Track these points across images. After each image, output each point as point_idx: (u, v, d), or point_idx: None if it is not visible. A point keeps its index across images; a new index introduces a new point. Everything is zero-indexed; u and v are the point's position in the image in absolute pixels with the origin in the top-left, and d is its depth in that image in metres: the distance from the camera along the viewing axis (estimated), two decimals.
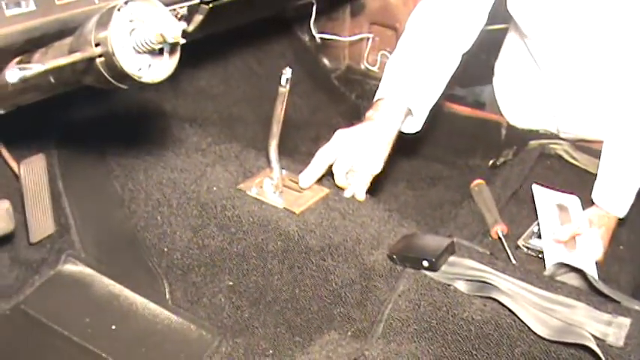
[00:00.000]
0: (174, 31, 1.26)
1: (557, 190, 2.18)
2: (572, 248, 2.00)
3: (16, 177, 1.99)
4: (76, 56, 1.25)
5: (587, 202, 2.13)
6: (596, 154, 2.25)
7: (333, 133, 1.95)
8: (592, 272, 1.92)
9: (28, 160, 1.97)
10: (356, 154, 1.95)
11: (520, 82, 2.58)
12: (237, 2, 1.91)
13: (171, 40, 1.27)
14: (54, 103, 1.61)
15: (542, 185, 2.17)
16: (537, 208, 2.10)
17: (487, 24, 2.32)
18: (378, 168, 1.97)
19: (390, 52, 2.90)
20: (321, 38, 3.05)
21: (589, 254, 2.00)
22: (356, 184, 1.96)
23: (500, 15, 2.37)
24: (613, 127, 2.17)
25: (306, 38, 3.12)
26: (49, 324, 1.90)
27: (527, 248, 2.05)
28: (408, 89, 2.05)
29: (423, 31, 2.17)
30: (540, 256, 2.01)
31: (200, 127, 2.19)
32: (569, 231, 2.02)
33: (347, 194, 1.95)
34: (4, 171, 2.04)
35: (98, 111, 2.15)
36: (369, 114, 2.04)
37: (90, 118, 2.16)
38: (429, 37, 2.16)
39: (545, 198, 2.14)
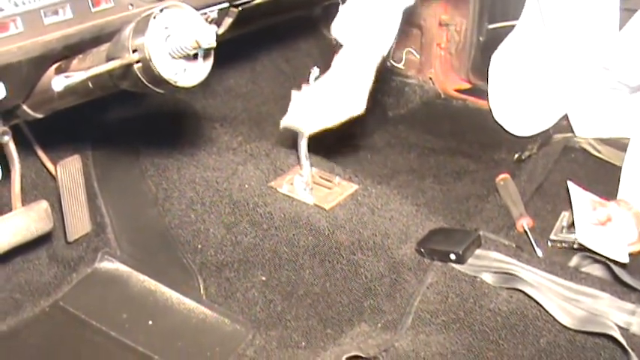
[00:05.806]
0: (209, 37, 1.29)
1: (593, 192, 2.16)
2: (606, 231, 2.00)
3: (54, 178, 2.03)
4: (115, 63, 1.29)
5: (612, 195, 2.14)
6: (621, 147, 2.26)
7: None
8: (624, 255, 1.91)
9: (64, 162, 2.00)
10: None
11: (528, 87, 2.59)
12: (265, 4, 1.94)
13: (206, 46, 1.31)
14: (88, 106, 1.65)
15: (575, 183, 2.16)
16: (572, 199, 2.09)
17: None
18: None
19: (416, 50, 2.93)
20: None
21: (622, 237, 1.99)
22: None
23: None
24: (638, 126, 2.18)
25: (333, 37, 3.13)
26: (88, 320, 1.95)
27: (562, 242, 2.07)
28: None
29: None
30: (575, 246, 2.02)
31: (230, 126, 2.21)
32: (605, 213, 2.01)
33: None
34: (42, 172, 2.09)
35: (131, 113, 2.19)
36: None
37: (123, 120, 2.20)
38: None
39: (579, 193, 2.12)
